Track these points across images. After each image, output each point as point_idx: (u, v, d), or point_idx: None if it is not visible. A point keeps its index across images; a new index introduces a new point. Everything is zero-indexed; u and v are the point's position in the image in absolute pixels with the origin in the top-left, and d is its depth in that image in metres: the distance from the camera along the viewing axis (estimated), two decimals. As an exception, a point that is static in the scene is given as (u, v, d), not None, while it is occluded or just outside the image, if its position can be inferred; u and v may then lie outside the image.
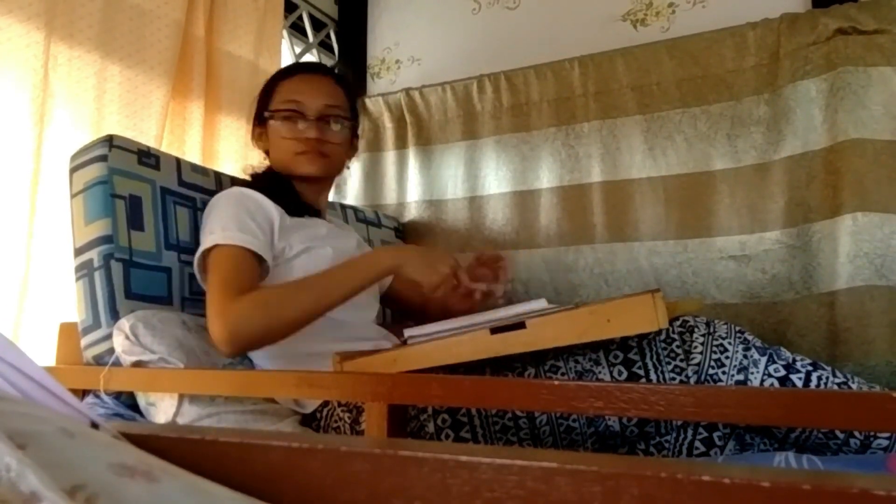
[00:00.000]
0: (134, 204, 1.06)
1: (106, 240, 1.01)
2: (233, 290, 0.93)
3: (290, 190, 1.17)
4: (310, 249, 1.09)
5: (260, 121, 1.21)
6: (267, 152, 1.23)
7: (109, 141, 1.05)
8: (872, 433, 0.84)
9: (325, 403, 0.99)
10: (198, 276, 1.05)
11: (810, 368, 0.88)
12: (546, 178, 1.63)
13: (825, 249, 1.33)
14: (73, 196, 1.06)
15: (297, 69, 1.26)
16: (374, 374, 0.84)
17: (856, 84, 1.32)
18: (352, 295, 0.98)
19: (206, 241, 1.01)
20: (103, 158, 1.04)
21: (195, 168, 1.22)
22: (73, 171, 1.07)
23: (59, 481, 0.26)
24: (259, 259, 1.02)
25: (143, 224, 1.07)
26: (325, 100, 1.18)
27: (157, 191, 1.10)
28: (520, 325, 0.80)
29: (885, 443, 0.84)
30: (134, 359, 0.94)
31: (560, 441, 0.90)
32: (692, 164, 1.48)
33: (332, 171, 1.23)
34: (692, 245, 1.47)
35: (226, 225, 1.01)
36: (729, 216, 1.44)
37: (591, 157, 1.58)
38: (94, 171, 1.03)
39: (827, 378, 0.88)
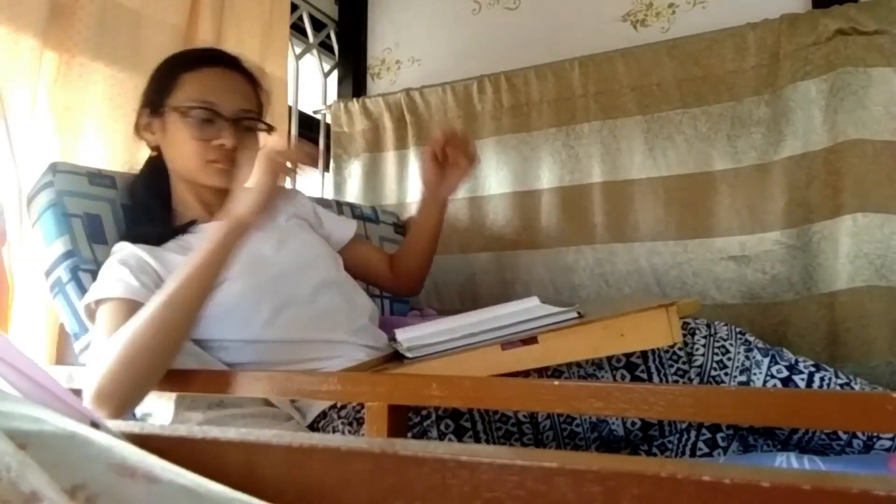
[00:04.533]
0: (93, 221, 1.06)
1: (68, 255, 1.02)
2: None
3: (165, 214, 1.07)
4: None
5: (154, 111, 1.06)
6: (155, 148, 1.10)
7: (54, 168, 1.06)
8: (876, 434, 0.84)
9: (324, 415, 0.98)
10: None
11: (813, 370, 0.88)
12: (546, 178, 1.63)
13: (825, 250, 1.33)
14: (32, 227, 1.07)
15: (205, 60, 1.08)
16: (373, 374, 0.83)
17: (856, 85, 1.32)
18: (213, 279, 0.85)
19: (85, 297, 0.93)
20: (50, 185, 1.05)
21: None
22: (28, 204, 1.08)
23: (60, 481, 0.26)
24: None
25: (106, 238, 1.07)
26: (241, 102, 1.06)
27: (119, 208, 1.10)
28: (531, 341, 0.79)
29: (888, 443, 0.84)
30: None
31: (564, 446, 0.90)
32: (692, 165, 1.48)
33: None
34: (692, 245, 1.47)
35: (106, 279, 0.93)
36: (729, 217, 1.44)
37: (591, 157, 1.58)
38: (44, 198, 1.04)
39: (830, 379, 0.88)
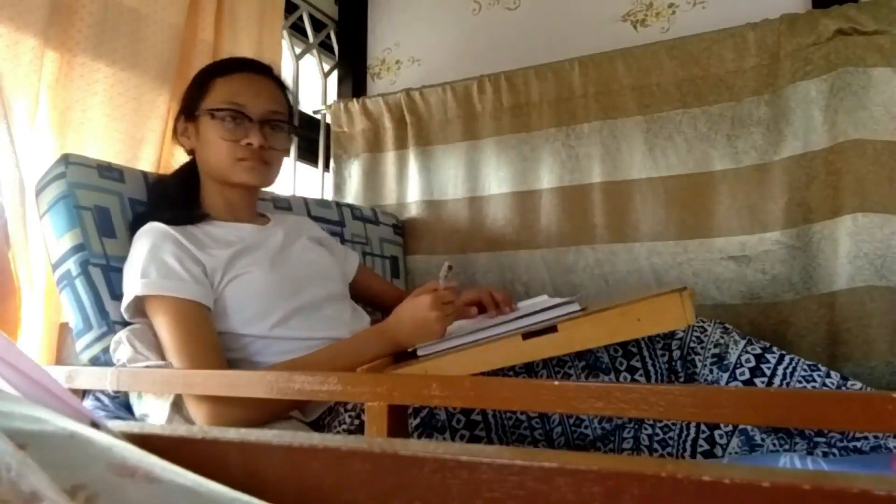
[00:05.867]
0: (102, 215, 1.06)
1: (79, 248, 1.02)
2: (198, 360, 0.91)
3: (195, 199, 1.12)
4: (238, 277, 1.03)
5: (189, 116, 1.12)
6: (191, 152, 1.15)
7: (66, 159, 1.06)
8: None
9: (330, 411, 0.99)
10: (126, 315, 1.00)
11: (784, 353, 0.95)
12: (546, 178, 1.63)
13: (825, 250, 1.33)
14: (40, 218, 1.06)
15: (236, 66, 1.14)
16: (373, 374, 0.83)
17: (856, 85, 1.32)
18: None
19: (136, 287, 0.96)
20: (62, 176, 1.04)
21: None
22: (36, 195, 1.08)
23: (60, 481, 0.26)
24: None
25: (115, 232, 1.07)
26: (268, 104, 1.11)
27: (126, 202, 1.11)
28: (551, 329, 0.79)
29: (892, 442, 0.85)
30: (141, 366, 0.95)
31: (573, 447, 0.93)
32: (692, 165, 1.48)
33: (270, 181, 1.15)
34: (692, 246, 1.47)
35: (150, 272, 0.96)
36: (729, 217, 1.44)
37: (591, 157, 1.58)
38: (55, 189, 1.04)
39: (798, 361, 0.93)
